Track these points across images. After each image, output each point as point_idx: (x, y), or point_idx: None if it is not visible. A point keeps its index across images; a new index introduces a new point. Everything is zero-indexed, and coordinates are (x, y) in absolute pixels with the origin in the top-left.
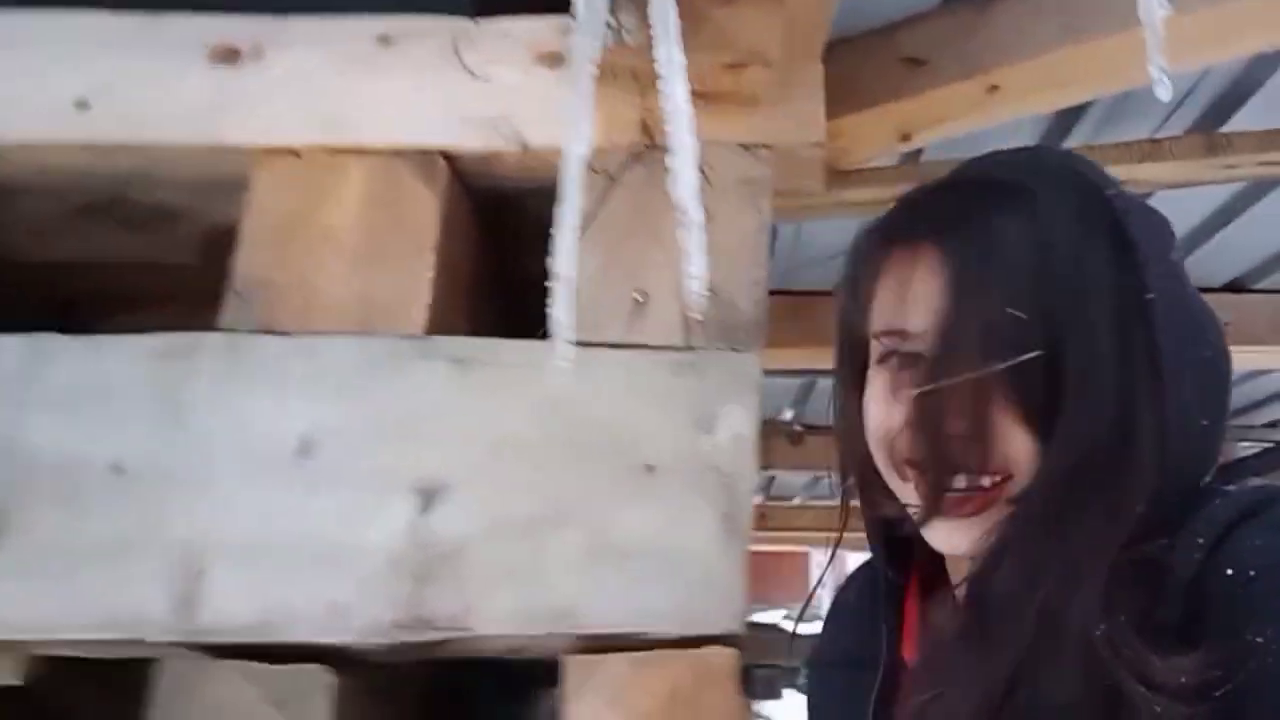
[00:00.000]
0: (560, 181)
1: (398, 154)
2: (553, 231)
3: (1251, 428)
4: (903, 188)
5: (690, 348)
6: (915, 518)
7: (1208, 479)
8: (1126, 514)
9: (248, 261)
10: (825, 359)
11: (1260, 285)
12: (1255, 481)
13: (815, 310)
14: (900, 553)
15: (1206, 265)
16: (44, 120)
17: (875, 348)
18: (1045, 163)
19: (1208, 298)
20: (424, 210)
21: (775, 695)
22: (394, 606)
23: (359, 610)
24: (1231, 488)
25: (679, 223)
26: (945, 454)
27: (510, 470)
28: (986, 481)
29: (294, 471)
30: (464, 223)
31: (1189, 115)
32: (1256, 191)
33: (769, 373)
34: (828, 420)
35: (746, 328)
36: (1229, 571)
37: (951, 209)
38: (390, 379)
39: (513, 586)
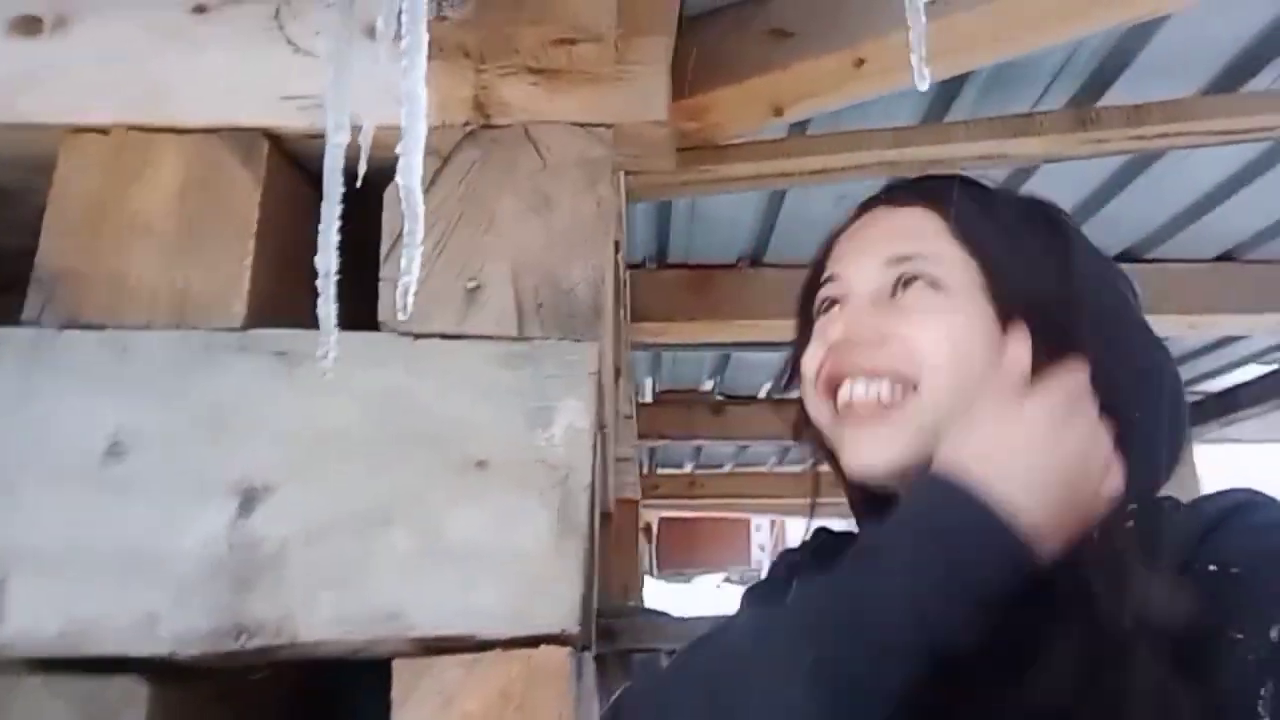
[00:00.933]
0: (402, 159)
1: (215, 133)
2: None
3: None
4: (783, 162)
5: (525, 338)
6: (832, 438)
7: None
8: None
9: (51, 250)
10: (731, 332)
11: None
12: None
13: (716, 283)
14: (873, 505)
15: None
16: None
17: (817, 304)
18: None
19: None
20: (243, 194)
21: None
22: (211, 615)
23: (173, 619)
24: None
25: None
26: (851, 356)
27: (336, 468)
28: (885, 387)
29: (102, 476)
30: (293, 204)
31: (1069, 87)
32: (1143, 162)
33: (684, 346)
34: (748, 391)
35: (585, 316)
36: (1211, 568)
37: (909, 187)
38: (207, 375)
39: (338, 590)
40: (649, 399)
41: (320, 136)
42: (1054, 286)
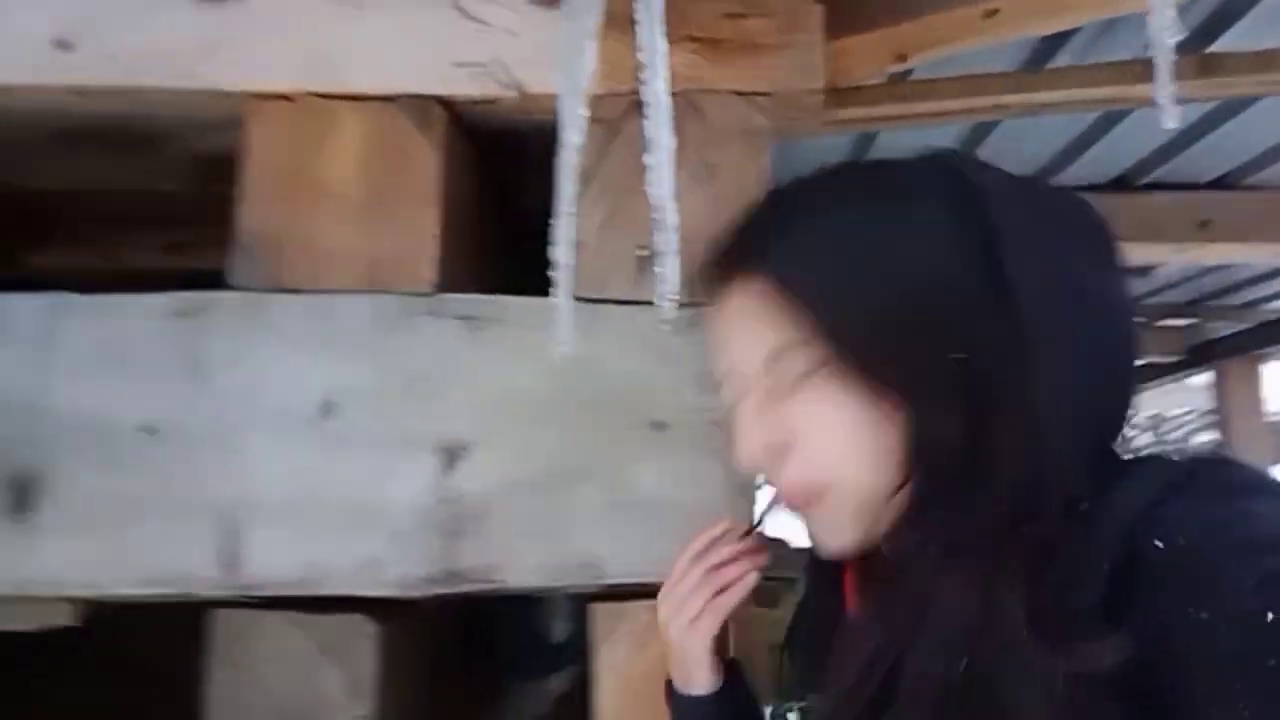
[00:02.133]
0: (560, 129)
1: (392, 100)
2: (555, 179)
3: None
4: (890, 107)
5: (693, 304)
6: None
7: (1119, 448)
8: (990, 498)
9: (250, 214)
10: None
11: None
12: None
13: None
14: None
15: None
16: (23, 61)
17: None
18: (850, 174)
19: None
20: (424, 161)
21: (776, 605)
22: (426, 561)
23: (392, 565)
24: (1151, 455)
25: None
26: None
27: (526, 428)
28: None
29: (318, 431)
30: (466, 170)
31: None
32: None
33: None
34: None
35: None
36: (1158, 544)
37: (741, 240)
38: (403, 338)
39: (538, 540)
40: None
41: (492, 102)
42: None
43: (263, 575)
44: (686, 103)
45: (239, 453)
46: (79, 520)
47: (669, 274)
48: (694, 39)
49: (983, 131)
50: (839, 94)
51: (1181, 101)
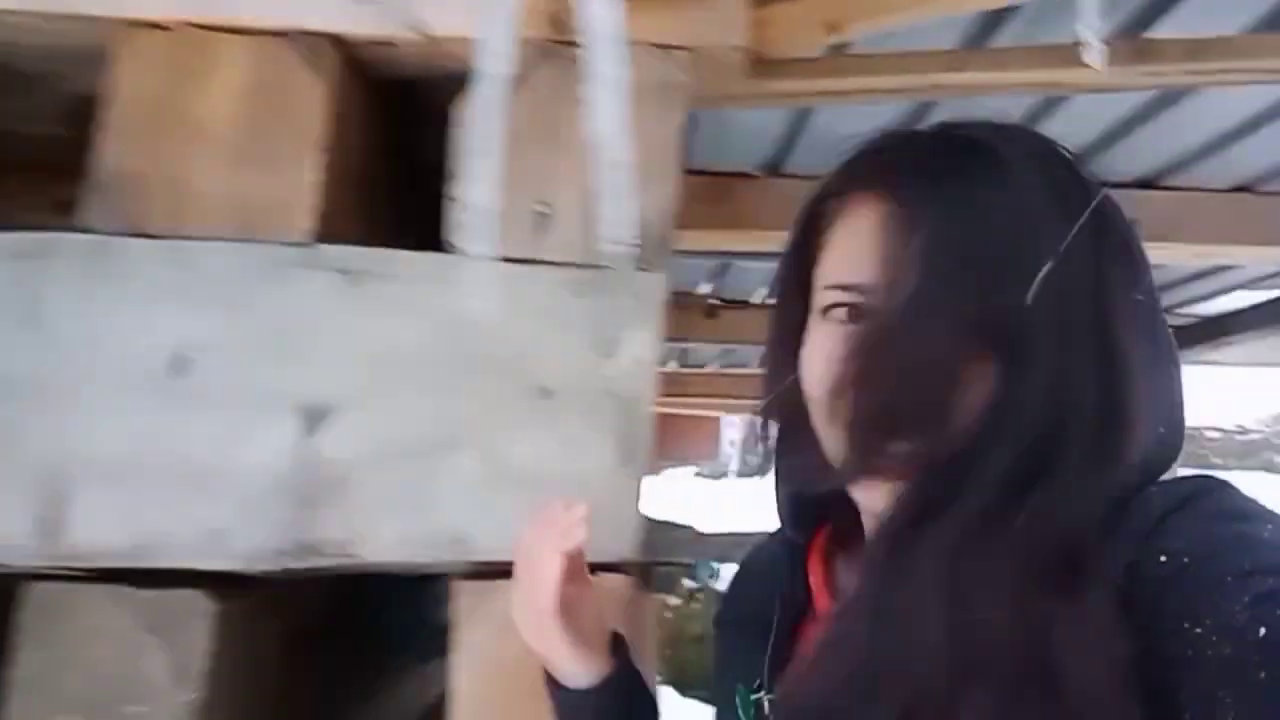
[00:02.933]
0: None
1: (282, 36)
2: (459, 130)
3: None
4: (825, 81)
5: (594, 266)
6: (844, 473)
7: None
8: (1056, 510)
9: (110, 151)
10: (743, 241)
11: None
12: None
13: (735, 193)
14: (806, 512)
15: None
16: None
17: (823, 297)
18: (1020, 138)
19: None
20: (311, 102)
21: (670, 591)
22: (278, 532)
23: (240, 535)
24: (1165, 480)
25: (594, 149)
26: (889, 418)
27: (401, 391)
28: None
29: (166, 389)
30: (358, 114)
31: (1115, 17)
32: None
33: (686, 253)
34: (742, 296)
35: (654, 245)
36: (1162, 559)
37: (924, 165)
38: (272, 290)
39: (403, 512)
40: None
41: (390, 44)
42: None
43: (87, 545)
44: None
45: (71, 408)
46: None
47: (620, 215)
48: None
49: (921, 112)
50: (768, 65)
51: (1116, 90)
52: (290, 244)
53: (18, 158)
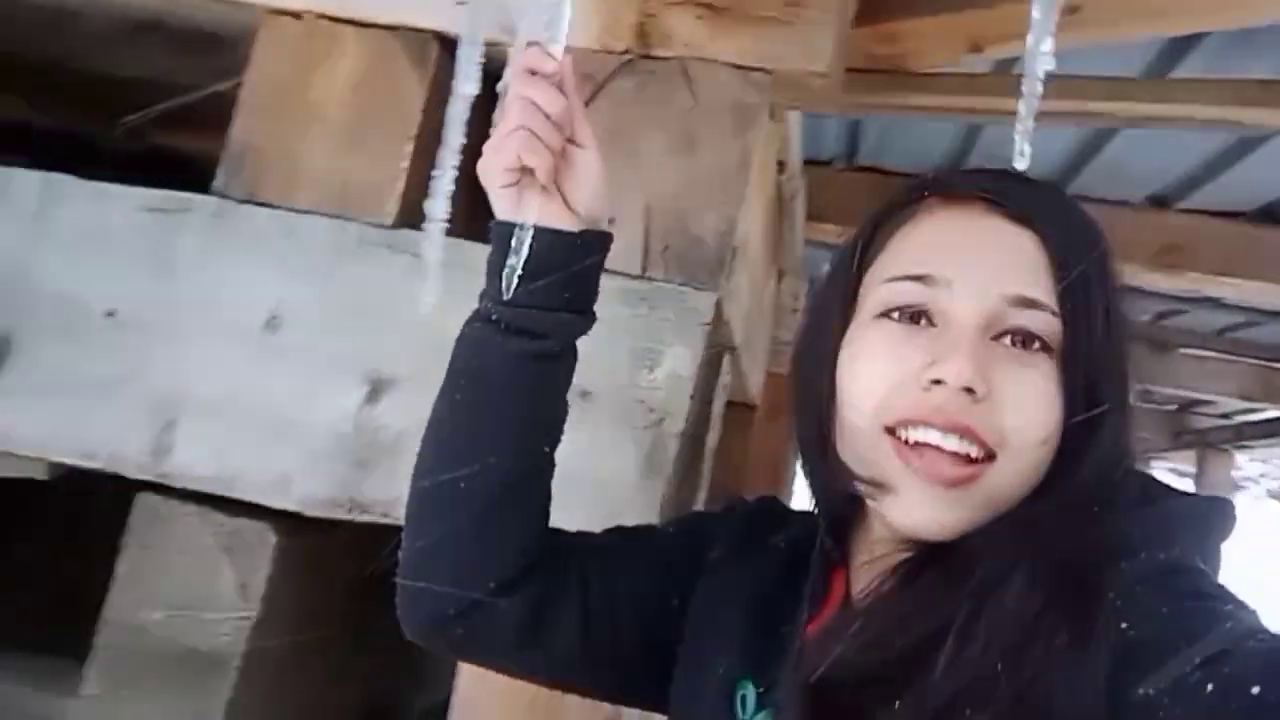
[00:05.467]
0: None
1: (393, 31)
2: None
3: None
4: (975, 99)
5: (646, 277)
6: (878, 474)
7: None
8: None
9: (242, 126)
10: None
11: None
12: None
13: None
14: (839, 521)
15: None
16: None
17: (883, 297)
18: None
19: None
20: (411, 94)
21: None
22: (334, 485)
23: (302, 483)
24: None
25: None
26: (953, 403)
27: None
28: (976, 451)
29: (260, 343)
30: None
31: None
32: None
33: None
34: None
35: (709, 264)
36: (1125, 626)
37: (1018, 199)
38: (357, 267)
39: None
40: None
41: (494, 44)
42: (1099, 343)
43: (185, 469)
44: (680, 68)
45: (184, 349)
46: (38, 388)
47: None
48: (699, 3)
49: (1096, 141)
50: (911, 77)
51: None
52: (378, 225)
53: (197, 111)
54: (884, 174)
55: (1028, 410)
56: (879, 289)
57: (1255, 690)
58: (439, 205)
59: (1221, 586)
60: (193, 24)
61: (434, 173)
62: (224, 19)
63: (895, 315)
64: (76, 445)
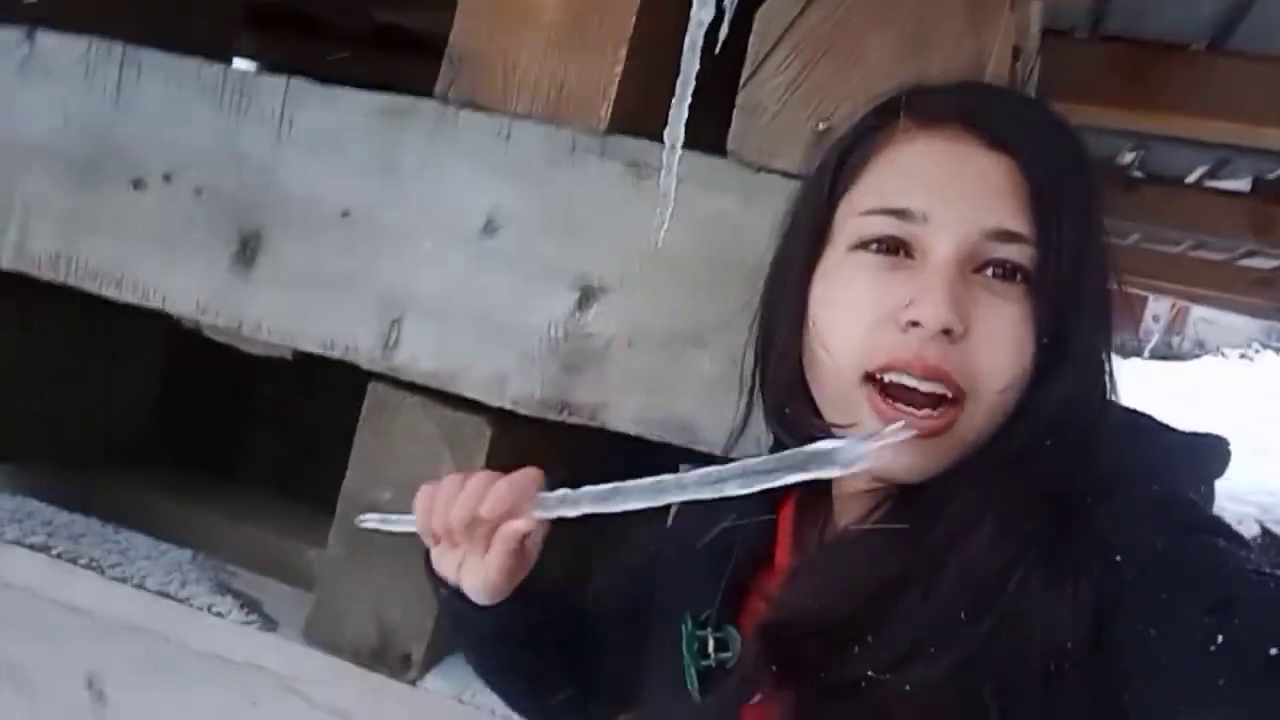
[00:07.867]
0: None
1: None
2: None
3: None
4: None
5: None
6: (848, 414)
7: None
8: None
9: (461, 29)
10: (1168, 125)
11: None
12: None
13: (1161, 68)
14: None
15: None
16: None
17: (859, 229)
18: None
19: None
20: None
21: None
22: (544, 387)
23: (515, 383)
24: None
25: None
26: (928, 346)
27: (662, 283)
28: (949, 392)
29: (478, 246)
30: (674, 15)
31: None
32: None
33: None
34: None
35: None
36: (1128, 572)
37: (999, 107)
38: (569, 173)
39: (644, 393)
40: None
41: None
42: (1077, 267)
43: (409, 363)
44: None
45: (409, 249)
46: (285, 280)
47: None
48: None
49: None
50: None
51: None
52: (590, 131)
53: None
54: (1135, 45)
55: (1000, 354)
56: (854, 220)
57: (1274, 651)
58: (677, 133)
59: (1217, 519)
60: None
61: (672, 101)
62: None
63: (873, 248)
64: (318, 335)
